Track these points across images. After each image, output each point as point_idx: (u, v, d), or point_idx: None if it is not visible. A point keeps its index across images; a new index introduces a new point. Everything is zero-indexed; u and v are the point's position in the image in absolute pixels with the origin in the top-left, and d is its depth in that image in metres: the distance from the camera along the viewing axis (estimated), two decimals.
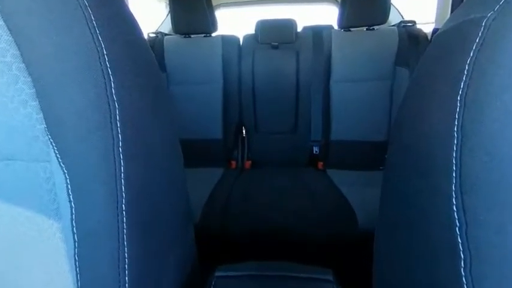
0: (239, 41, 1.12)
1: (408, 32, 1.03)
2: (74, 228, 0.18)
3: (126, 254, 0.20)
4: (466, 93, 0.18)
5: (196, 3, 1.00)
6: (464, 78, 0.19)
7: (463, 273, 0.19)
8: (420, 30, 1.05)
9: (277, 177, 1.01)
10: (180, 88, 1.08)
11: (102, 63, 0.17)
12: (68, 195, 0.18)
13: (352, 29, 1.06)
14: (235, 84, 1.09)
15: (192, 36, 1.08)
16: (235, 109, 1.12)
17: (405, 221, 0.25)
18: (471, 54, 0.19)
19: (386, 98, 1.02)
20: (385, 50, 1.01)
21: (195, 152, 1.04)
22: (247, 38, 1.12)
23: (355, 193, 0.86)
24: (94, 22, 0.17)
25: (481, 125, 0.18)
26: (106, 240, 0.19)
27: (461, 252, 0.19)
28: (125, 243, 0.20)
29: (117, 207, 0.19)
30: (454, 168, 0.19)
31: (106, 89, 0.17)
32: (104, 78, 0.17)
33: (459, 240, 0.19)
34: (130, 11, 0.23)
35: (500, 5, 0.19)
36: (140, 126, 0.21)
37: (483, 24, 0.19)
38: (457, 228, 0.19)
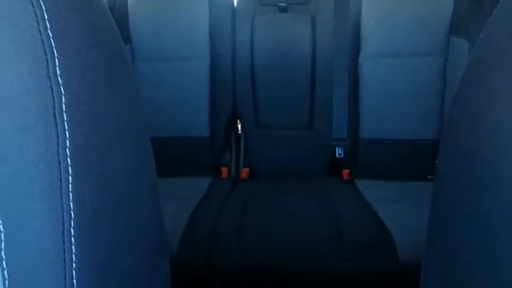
0: (233, 3, 0.92)
1: None
2: (4, 263, 0.14)
3: None
4: None
5: None
6: None
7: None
8: None
9: (286, 191, 0.82)
10: (150, 66, 0.86)
11: (42, 31, 0.13)
12: None
13: None
14: (227, 62, 0.88)
15: None
16: (228, 96, 0.90)
17: (467, 250, 0.22)
18: None
19: (438, 80, 0.82)
20: (436, 14, 0.82)
21: (172, 156, 0.83)
22: None
23: (394, 213, 0.70)
24: None
25: None
26: (48, 281, 0.15)
27: None
28: (74, 282, 0.15)
29: (63, 232, 0.14)
30: None
31: (48, 69, 0.13)
32: (45, 54, 0.13)
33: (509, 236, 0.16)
34: None
35: None
36: (95, 120, 0.17)
37: None
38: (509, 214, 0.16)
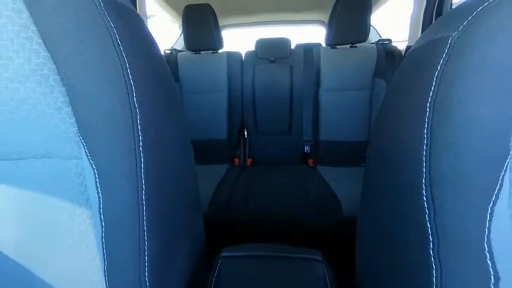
0: (241, 57, 1.18)
1: (385, 49, 1.09)
2: (102, 216, 0.19)
3: (145, 238, 0.20)
4: (434, 101, 0.19)
5: (205, 25, 1.05)
6: (432, 89, 0.19)
7: (431, 253, 0.20)
8: (395, 47, 1.11)
9: (274, 173, 1.04)
10: (191, 96, 1.13)
11: (125, 75, 0.18)
12: (96, 187, 0.18)
13: (338, 47, 1.11)
14: (238, 93, 1.14)
15: (202, 52, 1.14)
16: (238, 114, 1.16)
17: (383, 210, 0.26)
18: (438, 68, 0.19)
19: (367, 104, 1.08)
20: (366, 64, 1.07)
21: (204, 151, 1.10)
22: (249, 54, 1.18)
23: (341, 186, 0.89)
24: (119, 41, 0.18)
25: (447, 128, 0.18)
26: (129, 227, 0.20)
27: (430, 236, 0.20)
28: (145, 229, 0.20)
29: (138, 198, 0.19)
30: (424, 164, 0.20)
31: (129, 98, 0.18)
32: (127, 89, 0.18)
33: (428, 226, 0.19)
34: (149, 31, 0.23)
35: (463, 26, 0.20)
36: (157, 129, 0.21)
37: (449, 42, 0.20)
38: (426, 216, 0.20)
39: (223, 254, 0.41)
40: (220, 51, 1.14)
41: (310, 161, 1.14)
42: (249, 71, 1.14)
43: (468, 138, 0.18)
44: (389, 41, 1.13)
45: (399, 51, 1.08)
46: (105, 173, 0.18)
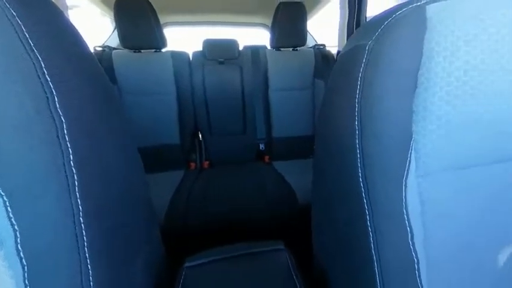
0: (189, 57, 1.11)
1: (321, 53, 1.20)
2: (21, 253, 0.15)
3: (89, 267, 0.18)
4: (360, 98, 0.23)
5: (144, 21, 0.94)
6: (358, 88, 0.23)
7: (368, 224, 0.24)
8: (329, 52, 1.23)
9: (232, 172, 1.03)
10: (134, 99, 1.01)
11: (40, 76, 0.15)
12: (9, 218, 0.15)
13: (282, 49, 1.17)
14: (188, 95, 1.08)
15: (142, 51, 1.03)
16: (190, 116, 1.10)
17: (330, 193, 0.29)
18: (361, 70, 0.23)
19: (310, 102, 1.16)
20: (306, 66, 1.15)
21: (156, 158, 1.01)
22: (196, 54, 1.13)
23: (294, 178, 0.93)
24: (26, 34, 0.15)
25: (371, 120, 0.22)
26: (64, 259, 0.17)
27: (366, 210, 0.23)
28: (87, 256, 0.17)
29: (74, 222, 0.17)
30: (358, 151, 0.24)
31: (48, 103, 0.15)
32: (45, 92, 0.15)
33: (364, 201, 0.23)
34: (72, 24, 0.20)
35: (375, 36, 0.24)
36: (93, 137, 0.19)
37: (366, 49, 0.24)
38: (363, 193, 0.23)
39: (187, 264, 0.39)
40: (163, 50, 1.05)
41: (266, 158, 1.17)
42: (198, 72, 1.09)
43: (384, 127, 0.23)
44: (324, 46, 1.26)
45: (332, 55, 1.21)
46: (20, 198, 0.15)
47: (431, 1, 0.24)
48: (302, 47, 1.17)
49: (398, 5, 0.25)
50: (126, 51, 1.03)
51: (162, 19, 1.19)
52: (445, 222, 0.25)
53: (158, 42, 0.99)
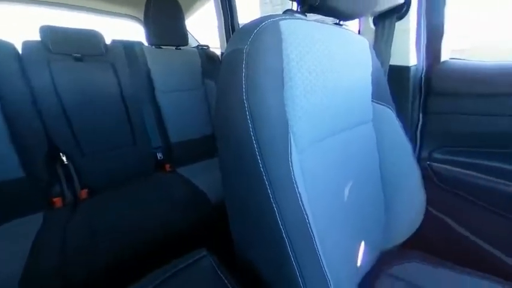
0: (15, 49, 0.78)
1: (206, 53, 1.21)
2: None
3: None
4: (247, 95, 0.27)
5: None
6: (244, 86, 0.28)
7: (272, 201, 0.29)
8: (214, 53, 1.27)
9: (126, 193, 0.83)
10: None
11: None
12: None
13: (163, 47, 1.08)
14: (27, 105, 0.76)
15: None
16: (38, 136, 0.79)
17: (238, 183, 0.32)
18: (243, 71, 0.28)
19: (204, 102, 1.16)
20: (194, 67, 1.14)
21: None
22: (30, 45, 0.80)
23: (203, 180, 0.88)
24: None
25: (259, 113, 0.27)
26: None
27: (268, 189, 0.29)
28: None
29: None
30: (254, 141, 0.28)
31: None
32: None
33: (266, 183, 0.28)
34: None
35: (250, 41, 0.29)
36: None
37: (244, 52, 0.28)
38: (263, 176, 0.28)
39: None
40: None
41: (167, 167, 1.05)
42: (37, 71, 0.79)
43: (269, 119, 0.29)
44: (208, 47, 1.27)
45: (217, 56, 1.25)
46: None
47: (282, 19, 0.33)
48: (185, 47, 1.13)
49: (260, 17, 0.33)
50: None
51: None
52: (318, 182, 0.34)
53: None
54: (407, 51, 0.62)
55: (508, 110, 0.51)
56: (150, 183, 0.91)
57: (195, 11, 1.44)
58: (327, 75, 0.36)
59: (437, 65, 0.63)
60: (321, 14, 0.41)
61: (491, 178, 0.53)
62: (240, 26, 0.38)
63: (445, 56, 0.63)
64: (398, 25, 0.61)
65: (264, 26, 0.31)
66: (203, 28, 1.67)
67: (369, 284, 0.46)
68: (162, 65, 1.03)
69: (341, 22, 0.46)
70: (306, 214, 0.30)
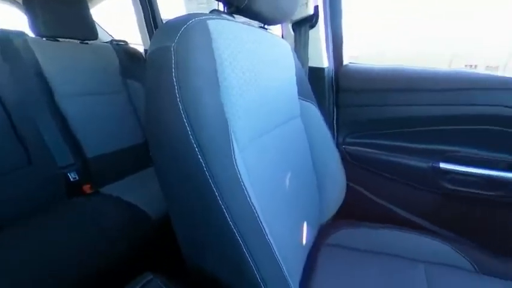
0: None
1: (125, 50, 1.06)
2: None
3: None
4: (181, 96, 0.26)
5: None
6: (175, 86, 0.26)
7: (220, 202, 0.28)
8: (135, 49, 1.12)
9: (38, 227, 0.65)
10: None
11: None
12: None
13: (60, 40, 0.87)
14: None
15: None
16: None
17: (181, 190, 0.31)
18: (173, 70, 0.26)
19: (128, 106, 1.02)
20: (110, 65, 0.98)
21: None
22: None
23: (138, 195, 0.80)
24: None
25: (197, 113, 0.26)
26: None
27: (215, 190, 0.28)
28: None
29: None
30: (194, 144, 0.27)
31: None
32: None
33: (212, 184, 0.28)
34: None
35: (177, 38, 0.27)
36: None
37: (172, 50, 0.27)
38: (208, 177, 0.28)
39: None
40: None
41: (87, 188, 0.86)
42: None
43: (207, 119, 0.28)
44: (126, 42, 1.11)
45: (140, 53, 1.12)
46: None
47: (210, 18, 0.32)
48: (95, 41, 0.95)
49: (186, 15, 0.31)
50: None
51: None
52: (261, 177, 0.35)
53: None
54: (321, 55, 0.73)
55: (399, 101, 0.68)
56: (67, 212, 0.73)
57: (100, 1, 1.23)
58: (259, 75, 0.38)
59: (342, 67, 0.77)
60: (247, 17, 0.42)
61: (391, 154, 0.69)
62: (164, 22, 0.35)
63: (346, 60, 0.78)
64: (312, 33, 0.72)
65: (192, 24, 0.29)
66: (111, 22, 1.44)
67: (312, 257, 0.52)
68: (61, 63, 0.83)
69: (266, 26, 0.50)
70: (255, 209, 0.31)
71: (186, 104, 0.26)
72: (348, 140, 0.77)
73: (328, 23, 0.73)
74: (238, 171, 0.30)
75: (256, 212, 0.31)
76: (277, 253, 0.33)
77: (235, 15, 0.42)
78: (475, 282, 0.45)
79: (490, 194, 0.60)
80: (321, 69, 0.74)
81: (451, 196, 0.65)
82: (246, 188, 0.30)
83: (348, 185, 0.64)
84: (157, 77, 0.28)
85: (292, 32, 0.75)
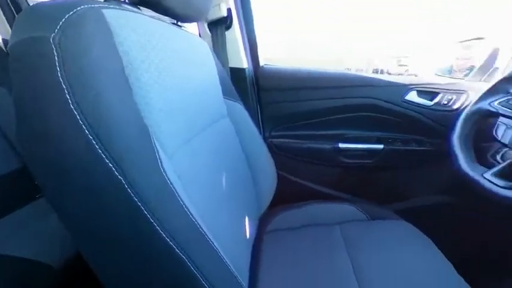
0: None
1: None
2: None
3: None
4: (76, 101, 0.20)
5: None
6: (66, 90, 0.20)
7: (151, 220, 0.24)
8: None
9: None
10: None
11: None
12: None
13: None
14: None
15: None
16: None
17: (98, 221, 0.24)
18: (57, 68, 0.20)
19: None
20: None
21: None
22: None
23: (26, 238, 0.62)
24: None
25: (101, 123, 0.21)
26: None
27: (141, 206, 0.23)
28: None
29: None
30: (107, 160, 0.22)
31: None
32: None
33: (135, 199, 0.23)
34: None
35: (59, 28, 0.20)
36: None
37: (52, 42, 0.20)
38: (134, 198, 0.23)
39: None
40: None
41: None
42: None
43: (120, 128, 0.23)
44: None
45: None
46: None
47: (105, 7, 0.26)
48: None
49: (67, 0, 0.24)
50: None
51: None
52: (195, 182, 0.34)
53: None
54: (240, 56, 0.77)
55: (308, 96, 0.80)
56: None
57: None
58: (179, 74, 0.36)
59: (259, 68, 0.84)
60: (155, 11, 0.38)
61: (306, 141, 0.82)
62: (31, 5, 0.26)
63: (262, 62, 0.86)
64: (229, 34, 0.74)
65: (81, 12, 0.23)
66: None
67: (257, 247, 0.55)
68: None
69: (179, 23, 0.47)
70: (193, 217, 0.29)
71: (85, 110, 0.21)
72: (273, 133, 0.86)
73: (243, 26, 0.77)
74: (169, 180, 0.27)
75: (195, 220, 0.29)
76: (223, 255, 0.32)
77: (141, 8, 0.37)
78: (369, 226, 0.61)
79: (370, 162, 0.82)
80: (242, 70, 0.78)
81: (349, 168, 0.84)
82: (180, 197, 0.28)
83: (277, 173, 0.72)
84: (30, 76, 0.21)
85: (209, 32, 0.75)
